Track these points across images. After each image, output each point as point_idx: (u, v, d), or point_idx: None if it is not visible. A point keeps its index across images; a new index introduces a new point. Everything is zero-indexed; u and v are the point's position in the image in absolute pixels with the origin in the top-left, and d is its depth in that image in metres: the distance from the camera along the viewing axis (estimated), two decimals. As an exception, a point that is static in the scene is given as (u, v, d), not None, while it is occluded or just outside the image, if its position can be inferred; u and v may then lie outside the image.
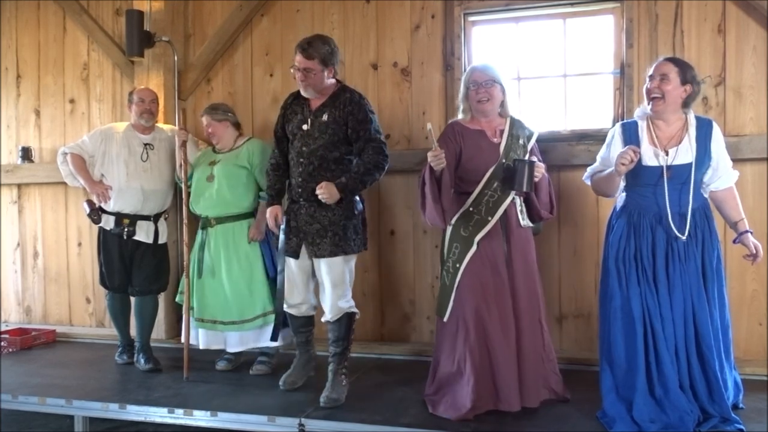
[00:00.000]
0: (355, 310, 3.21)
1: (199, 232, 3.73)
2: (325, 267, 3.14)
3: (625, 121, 3.09)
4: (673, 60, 2.79)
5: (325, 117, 3.13)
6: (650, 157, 2.77)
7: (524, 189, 2.85)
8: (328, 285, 3.14)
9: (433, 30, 3.98)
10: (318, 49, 3.08)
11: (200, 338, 3.68)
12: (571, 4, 3.76)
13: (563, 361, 3.58)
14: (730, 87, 3.53)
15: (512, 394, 2.87)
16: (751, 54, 3.49)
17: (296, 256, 3.20)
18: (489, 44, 3.99)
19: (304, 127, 3.16)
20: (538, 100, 3.92)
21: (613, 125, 3.71)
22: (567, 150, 3.68)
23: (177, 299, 3.92)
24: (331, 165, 3.12)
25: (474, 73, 3.04)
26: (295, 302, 3.30)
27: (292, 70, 3.16)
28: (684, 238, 2.70)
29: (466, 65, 3.92)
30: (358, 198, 3.21)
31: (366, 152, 3.09)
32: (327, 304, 3.17)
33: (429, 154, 2.83)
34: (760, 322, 3.53)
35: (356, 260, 4.05)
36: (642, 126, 2.82)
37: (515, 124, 3.07)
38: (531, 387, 2.94)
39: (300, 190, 3.17)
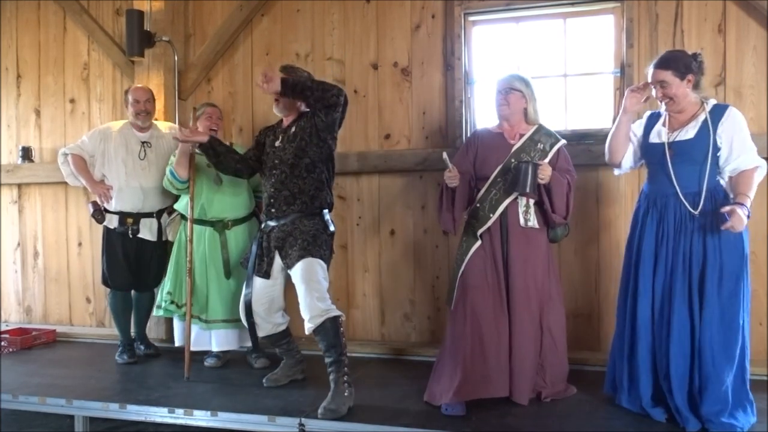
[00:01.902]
0: (337, 312, 3.08)
1: (213, 234, 3.68)
2: (296, 270, 3.11)
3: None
4: (662, 63, 2.75)
5: (293, 129, 3.26)
6: (654, 135, 2.83)
7: (526, 190, 2.89)
8: (302, 285, 3.08)
9: (434, 30, 3.98)
10: (296, 70, 3.30)
11: (215, 340, 3.69)
12: (571, 4, 3.76)
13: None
14: (731, 87, 3.53)
15: (501, 381, 2.94)
16: (751, 54, 3.49)
17: (267, 276, 3.25)
18: (489, 44, 3.99)
19: (277, 144, 3.30)
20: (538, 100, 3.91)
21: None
22: (567, 150, 3.67)
23: (165, 304, 3.76)
24: (302, 172, 3.19)
25: (497, 82, 3.18)
26: (256, 321, 3.33)
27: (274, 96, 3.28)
28: (696, 213, 2.70)
29: (466, 65, 3.93)
30: (330, 219, 3.27)
31: None
32: (304, 306, 3.07)
33: (445, 173, 3.02)
34: (760, 322, 3.53)
35: (355, 260, 4.10)
36: (663, 113, 2.88)
37: (541, 130, 3.13)
38: (519, 383, 2.97)
39: (272, 200, 3.23)
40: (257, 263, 3.27)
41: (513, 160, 3.02)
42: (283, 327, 3.42)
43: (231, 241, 3.69)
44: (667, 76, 2.73)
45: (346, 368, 3.03)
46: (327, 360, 3.05)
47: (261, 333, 3.38)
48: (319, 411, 2.89)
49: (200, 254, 3.67)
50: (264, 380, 3.37)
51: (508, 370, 2.97)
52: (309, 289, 3.06)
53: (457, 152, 3.23)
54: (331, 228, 3.27)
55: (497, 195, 3.02)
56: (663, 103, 2.81)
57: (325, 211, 3.26)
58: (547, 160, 3.02)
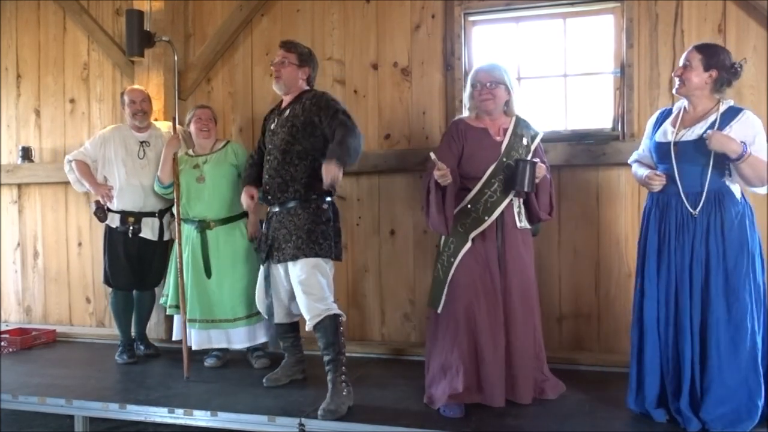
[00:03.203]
0: (337, 312, 3.08)
1: (196, 234, 3.70)
2: (293, 272, 3.12)
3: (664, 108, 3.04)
4: (699, 47, 2.74)
5: (287, 113, 3.22)
6: (662, 134, 2.79)
7: (525, 189, 2.87)
8: (299, 291, 3.09)
9: (433, 30, 3.97)
10: (297, 46, 3.30)
11: (194, 339, 3.69)
12: (571, 4, 3.75)
13: (563, 361, 3.58)
14: (731, 87, 3.52)
15: (496, 390, 2.91)
16: (751, 54, 3.49)
17: (264, 261, 3.28)
18: (489, 44, 3.99)
19: (272, 126, 3.27)
20: (538, 100, 3.91)
21: (613, 125, 3.74)
22: (567, 150, 3.68)
23: (164, 301, 3.89)
24: (294, 159, 3.12)
25: (479, 73, 3.06)
26: (269, 309, 3.36)
27: (271, 67, 3.30)
28: (695, 213, 2.67)
29: (466, 65, 3.92)
30: (326, 206, 3.16)
31: (332, 128, 3.06)
32: (304, 310, 3.10)
33: (435, 172, 2.84)
34: None
35: (355, 260, 4.10)
36: (678, 106, 2.84)
37: (520, 123, 3.08)
38: (523, 384, 2.96)
39: (268, 187, 3.22)
40: (261, 249, 3.28)
41: (505, 159, 2.97)
42: (296, 318, 3.41)
43: (212, 241, 3.68)
44: (695, 59, 2.71)
45: (343, 368, 3.03)
46: (325, 358, 3.05)
47: (276, 319, 3.37)
48: (319, 413, 2.88)
49: (187, 254, 3.70)
50: (264, 380, 3.37)
51: (504, 377, 2.93)
52: (305, 293, 3.07)
53: (440, 145, 3.08)
54: (328, 214, 3.15)
55: (493, 197, 2.96)
56: (676, 80, 2.76)
57: (325, 197, 3.16)
58: (530, 155, 3.01)
